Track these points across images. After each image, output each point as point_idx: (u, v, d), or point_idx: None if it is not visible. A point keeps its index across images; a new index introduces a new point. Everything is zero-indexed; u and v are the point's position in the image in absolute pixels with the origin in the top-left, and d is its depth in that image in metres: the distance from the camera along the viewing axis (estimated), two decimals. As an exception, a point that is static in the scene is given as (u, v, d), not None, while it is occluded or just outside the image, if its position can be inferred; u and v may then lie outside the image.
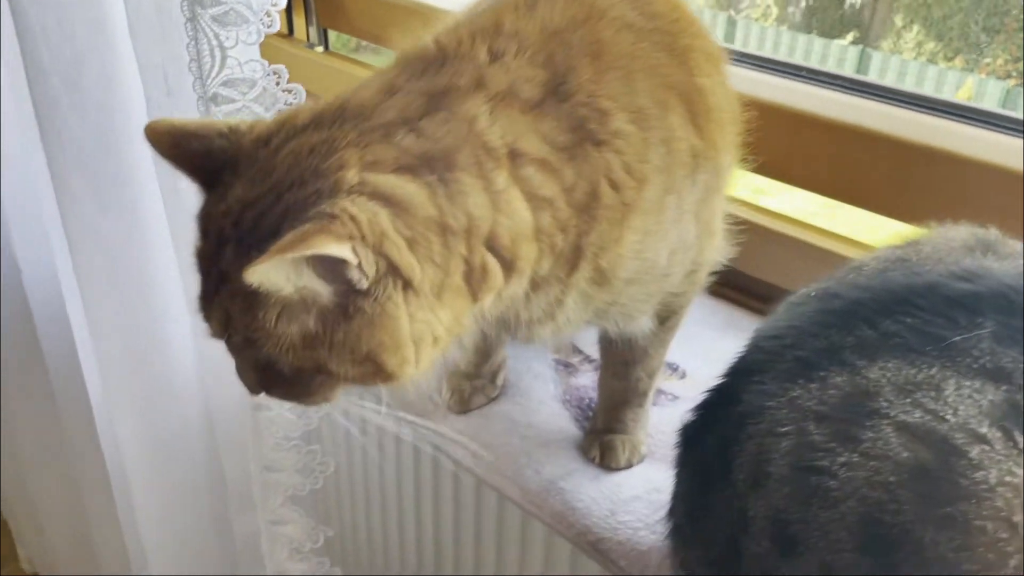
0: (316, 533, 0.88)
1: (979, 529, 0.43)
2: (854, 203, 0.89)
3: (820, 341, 0.54)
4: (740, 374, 0.58)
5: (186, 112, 0.70)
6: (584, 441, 0.73)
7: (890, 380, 0.49)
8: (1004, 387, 0.47)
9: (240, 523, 0.90)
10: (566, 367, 0.81)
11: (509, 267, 0.55)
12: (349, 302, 0.50)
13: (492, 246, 0.53)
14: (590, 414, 0.75)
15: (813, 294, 0.59)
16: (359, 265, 0.48)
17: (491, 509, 0.81)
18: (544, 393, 0.77)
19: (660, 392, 0.78)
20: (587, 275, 0.59)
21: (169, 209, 0.76)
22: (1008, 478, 0.44)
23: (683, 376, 0.80)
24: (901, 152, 0.83)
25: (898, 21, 1.06)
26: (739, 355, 0.59)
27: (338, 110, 0.53)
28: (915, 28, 1.05)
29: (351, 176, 0.49)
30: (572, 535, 0.67)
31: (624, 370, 0.71)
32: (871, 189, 0.87)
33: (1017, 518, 0.43)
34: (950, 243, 0.62)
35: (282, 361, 0.51)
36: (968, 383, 0.48)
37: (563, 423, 0.75)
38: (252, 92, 0.68)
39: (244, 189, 0.51)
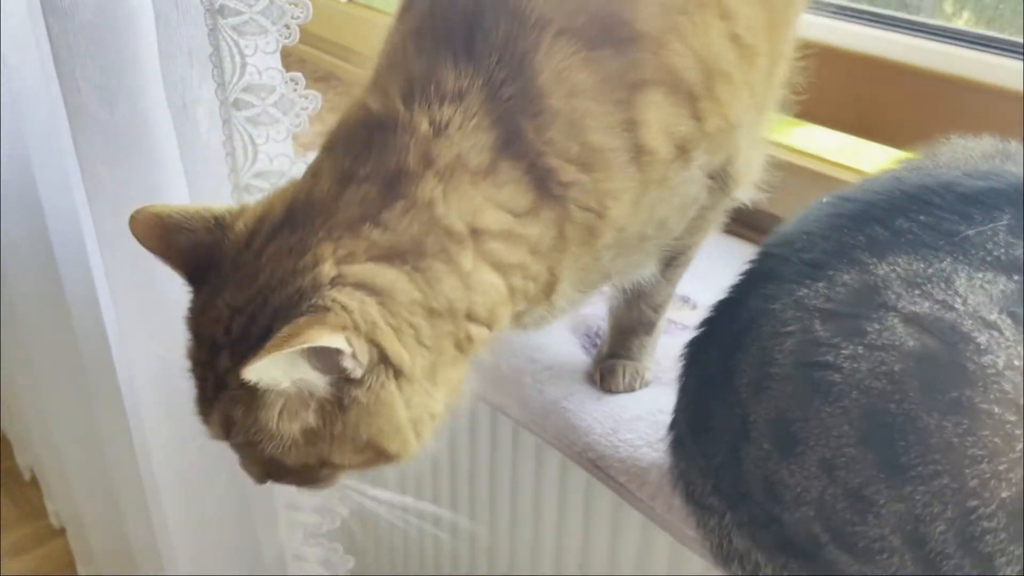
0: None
1: (985, 413, 0.42)
2: (878, 140, 0.87)
3: (830, 243, 0.52)
4: (747, 283, 0.56)
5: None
6: (591, 365, 0.72)
7: (899, 275, 0.47)
8: (1016, 277, 0.45)
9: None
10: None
11: (492, 326, 0.56)
12: (344, 393, 0.51)
13: (472, 318, 0.55)
14: (598, 342, 0.74)
15: (825, 200, 0.57)
16: (353, 354, 0.49)
17: (506, 440, 0.81)
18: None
19: (671, 322, 0.76)
20: (567, 285, 0.59)
21: (181, 138, 0.76)
22: (1016, 362, 0.42)
23: (695, 307, 0.78)
24: (926, 84, 0.80)
25: (948, 8, 1.02)
26: (747, 265, 0.57)
27: (305, 205, 0.53)
28: (965, 15, 1.01)
29: (328, 269, 0.50)
30: (573, 453, 0.66)
31: (631, 303, 0.70)
32: (895, 125, 0.85)
33: (1025, 402, 0.41)
34: (968, 151, 0.59)
35: (286, 457, 0.53)
36: (980, 275, 0.46)
37: (571, 349, 0.74)
38: (271, 97, 0.70)
39: (232, 295, 0.53)
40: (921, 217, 0.50)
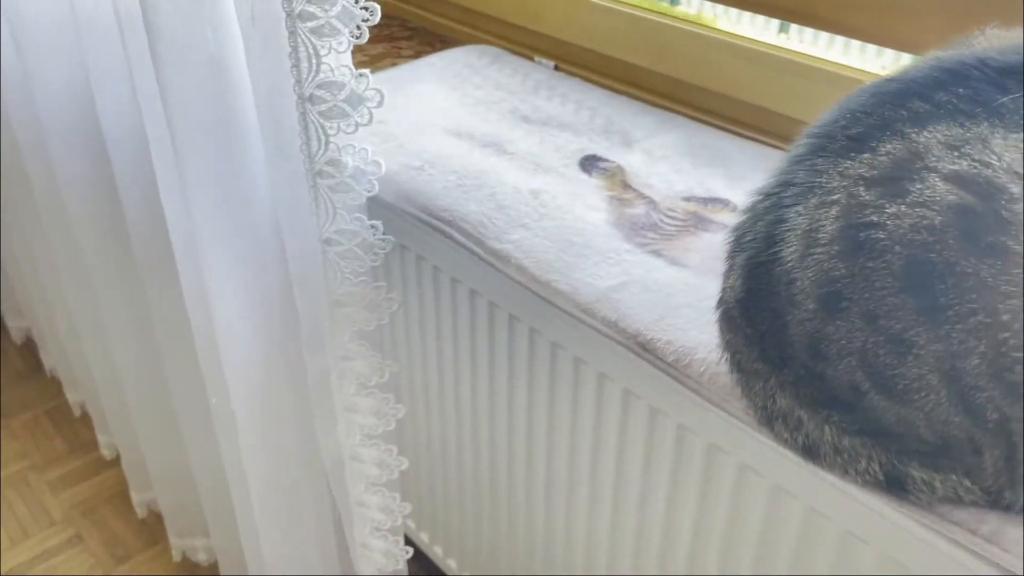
0: (383, 368, 0.93)
1: (1016, 253, 0.46)
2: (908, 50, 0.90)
3: (873, 118, 0.56)
4: (792, 162, 0.60)
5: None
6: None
7: (939, 140, 0.51)
8: (1046, 134, 0.49)
9: (312, 362, 0.96)
10: (620, 201, 0.84)
11: None
12: None
13: None
14: (644, 235, 0.79)
15: (868, 84, 0.60)
16: None
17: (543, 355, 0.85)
18: (597, 219, 0.81)
19: (711, 222, 0.80)
20: None
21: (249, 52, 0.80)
22: (1049, 207, 0.46)
23: (734, 210, 0.82)
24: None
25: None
26: (790, 150, 0.61)
27: None
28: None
29: None
30: (623, 339, 0.70)
31: None
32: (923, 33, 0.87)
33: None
34: (1003, 40, 0.62)
35: None
36: (1015, 135, 0.49)
37: (616, 243, 0.78)
38: (342, 93, 0.74)
39: None
40: (960, 90, 0.53)
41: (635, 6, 1.04)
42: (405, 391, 1.09)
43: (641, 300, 0.72)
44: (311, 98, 0.76)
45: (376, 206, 0.87)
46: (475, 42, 1.19)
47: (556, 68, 1.11)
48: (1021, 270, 0.45)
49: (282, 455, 1.03)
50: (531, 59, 1.13)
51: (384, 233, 0.88)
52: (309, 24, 0.73)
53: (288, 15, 0.73)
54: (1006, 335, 0.46)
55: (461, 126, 0.97)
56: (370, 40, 1.21)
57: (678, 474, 0.75)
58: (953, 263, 0.47)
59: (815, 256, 0.54)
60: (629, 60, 1.03)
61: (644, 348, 0.69)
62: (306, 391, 0.98)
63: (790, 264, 0.56)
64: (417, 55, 1.16)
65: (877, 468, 0.56)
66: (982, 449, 0.51)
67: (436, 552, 1.23)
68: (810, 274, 0.55)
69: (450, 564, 1.21)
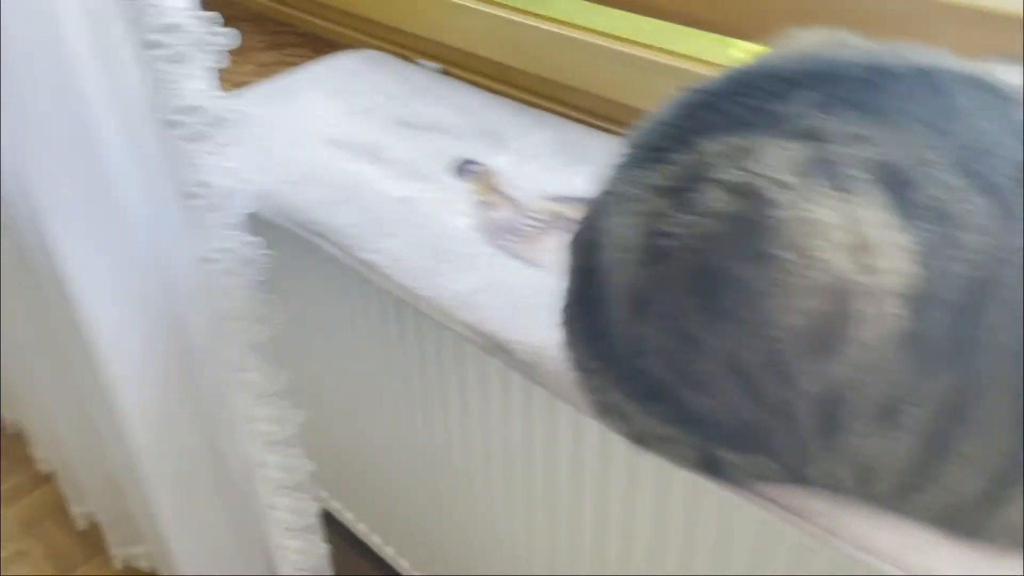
0: (277, 378, 0.97)
1: (777, 258, 0.50)
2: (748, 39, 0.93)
3: (671, 129, 0.60)
4: (614, 170, 0.63)
5: None
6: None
7: (721, 151, 0.55)
8: (813, 143, 0.53)
9: (207, 374, 0.99)
10: (487, 204, 0.87)
11: None
12: None
13: None
14: (506, 237, 0.82)
15: (681, 92, 0.64)
16: None
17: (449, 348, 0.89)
18: (464, 224, 0.84)
19: (574, 221, 0.84)
20: None
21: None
22: (804, 214, 0.50)
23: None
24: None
25: None
26: (613, 159, 0.65)
27: None
28: None
29: None
30: (482, 341, 0.74)
31: None
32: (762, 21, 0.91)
33: (810, 245, 0.49)
34: (808, 41, 0.66)
35: None
36: (785, 144, 0.53)
37: (479, 247, 0.81)
38: (202, 117, 0.78)
39: None
40: (744, 100, 0.57)
41: (509, 8, 1.06)
42: (332, 393, 1.12)
43: (498, 302, 0.75)
44: (172, 123, 0.78)
45: (258, 221, 0.89)
46: (362, 47, 1.20)
47: (443, 71, 1.13)
48: (782, 273, 0.50)
49: (191, 463, 1.05)
50: (415, 62, 1.16)
51: (269, 248, 0.90)
52: (163, 52, 0.75)
53: (143, 44, 0.75)
54: (775, 331, 0.51)
55: (340, 136, 0.99)
56: (260, 48, 1.22)
57: (606, 468, 0.79)
58: (728, 268, 0.51)
59: (623, 262, 0.58)
60: (505, 62, 1.06)
61: (501, 349, 0.73)
62: (206, 402, 1.01)
63: (606, 270, 0.60)
64: (306, 62, 1.18)
65: (693, 453, 0.61)
66: (773, 431, 0.56)
67: (388, 552, 1.27)
68: (621, 279, 0.59)
69: (403, 564, 1.25)
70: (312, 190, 0.89)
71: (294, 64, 1.19)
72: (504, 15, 1.06)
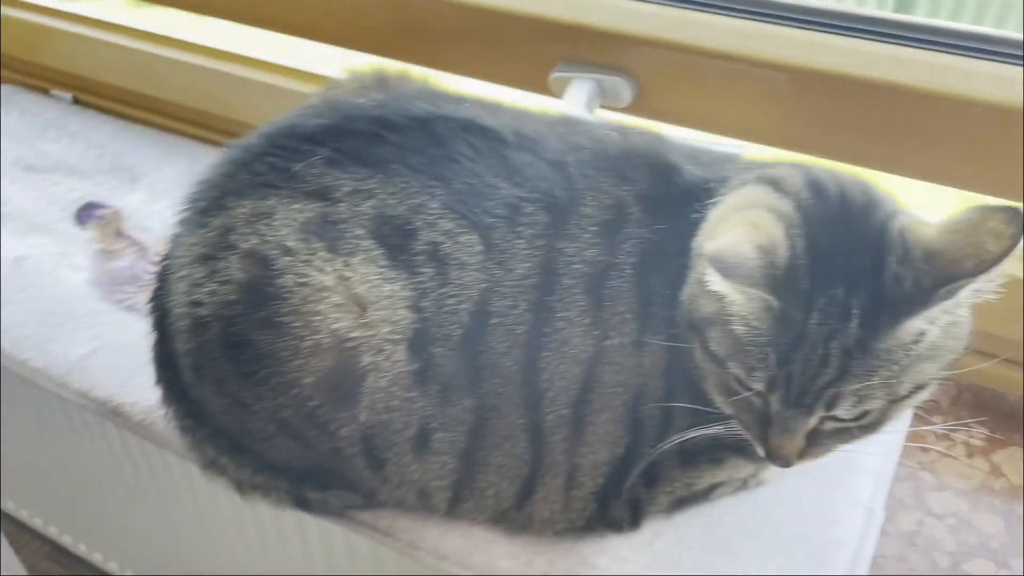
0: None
1: (284, 324, 0.52)
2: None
3: (214, 190, 0.60)
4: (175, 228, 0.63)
5: None
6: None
7: (244, 215, 0.56)
8: (319, 204, 0.56)
9: None
10: (108, 254, 0.84)
11: None
12: None
13: None
14: (124, 290, 0.80)
15: (226, 148, 0.64)
16: None
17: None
18: (80, 280, 0.81)
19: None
20: None
21: None
22: (303, 280, 0.53)
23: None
24: None
25: None
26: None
27: None
28: None
29: None
30: (97, 408, 0.73)
31: None
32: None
33: (310, 310, 0.52)
34: (354, 83, 0.69)
35: None
36: (296, 205, 0.56)
37: (94, 304, 0.79)
38: None
39: None
40: (270, 159, 0.59)
41: (136, 36, 1.02)
42: None
43: (110, 364, 0.74)
44: None
45: None
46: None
47: (75, 100, 1.07)
48: (289, 337, 0.52)
49: None
50: (47, 93, 1.08)
51: None
52: None
53: None
54: (297, 391, 0.54)
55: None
56: None
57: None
58: (245, 334, 0.54)
59: (179, 329, 0.59)
60: (138, 90, 1.02)
61: (116, 413, 0.72)
62: None
63: (171, 333, 0.61)
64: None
65: (286, 496, 0.64)
66: (338, 471, 0.60)
67: (96, 558, 1.21)
68: (182, 345, 0.59)
69: (111, 566, 1.20)
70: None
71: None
72: (131, 44, 1.01)
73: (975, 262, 0.46)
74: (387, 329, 0.53)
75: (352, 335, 0.53)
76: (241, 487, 0.65)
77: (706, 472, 0.61)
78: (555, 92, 0.89)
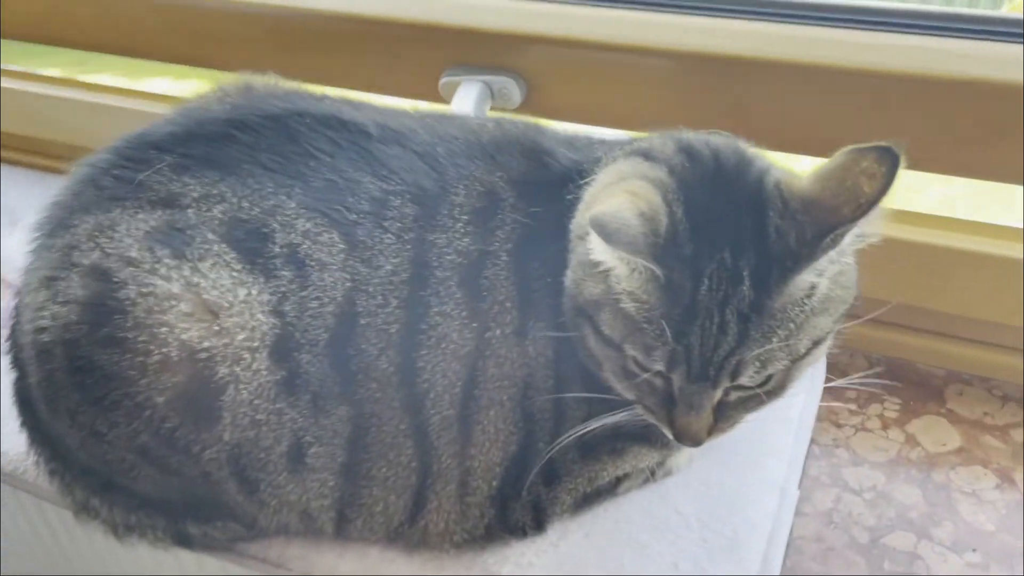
0: None
1: (128, 340, 0.48)
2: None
3: (61, 210, 0.56)
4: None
5: None
6: None
7: (87, 231, 0.52)
8: (165, 211, 0.52)
9: None
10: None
11: None
12: None
13: None
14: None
15: (80, 165, 0.60)
16: None
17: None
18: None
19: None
20: None
21: None
22: (146, 290, 0.49)
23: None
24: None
25: None
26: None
27: None
28: None
29: None
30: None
31: None
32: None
33: (157, 320, 0.49)
34: (218, 93, 0.66)
35: None
36: (141, 215, 0.52)
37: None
38: None
39: None
40: (116, 172, 0.55)
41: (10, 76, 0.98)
42: None
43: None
44: None
45: None
46: None
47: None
48: (133, 354, 0.48)
49: None
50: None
51: None
52: None
53: None
54: (149, 412, 0.49)
55: None
56: None
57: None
58: (93, 356, 0.49)
59: (30, 361, 0.54)
60: (16, 132, 0.98)
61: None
62: None
63: (22, 366, 0.56)
64: None
65: (165, 534, 0.59)
66: (212, 499, 0.55)
67: None
68: (33, 379, 0.55)
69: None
70: None
71: None
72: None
73: (853, 207, 0.45)
74: (243, 336, 0.50)
75: (204, 345, 0.49)
76: (116, 530, 0.60)
77: (608, 464, 0.58)
78: (445, 98, 0.87)
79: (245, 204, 0.52)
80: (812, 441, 0.67)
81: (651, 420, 0.52)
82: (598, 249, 0.47)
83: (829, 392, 0.73)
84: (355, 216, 0.53)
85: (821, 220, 0.46)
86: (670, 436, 0.51)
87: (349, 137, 0.56)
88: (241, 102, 0.59)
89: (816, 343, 0.49)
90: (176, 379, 0.49)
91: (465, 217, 0.54)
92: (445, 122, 0.60)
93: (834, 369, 0.75)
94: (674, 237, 0.47)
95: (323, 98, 0.60)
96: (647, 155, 0.52)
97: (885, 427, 0.68)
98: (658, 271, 0.46)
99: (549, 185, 0.55)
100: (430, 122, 0.59)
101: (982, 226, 0.73)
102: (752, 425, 0.66)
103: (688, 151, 0.51)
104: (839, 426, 0.69)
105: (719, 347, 0.47)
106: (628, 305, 0.48)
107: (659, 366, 0.48)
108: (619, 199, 0.48)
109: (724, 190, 0.49)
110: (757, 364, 0.47)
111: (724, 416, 0.50)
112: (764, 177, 0.49)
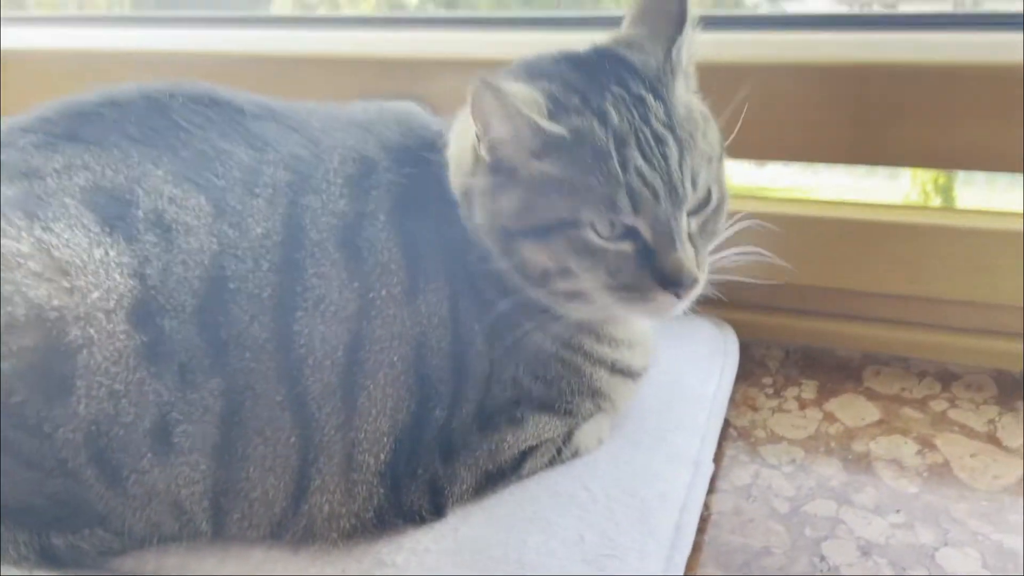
0: None
1: None
2: None
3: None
4: None
5: None
6: None
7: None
8: (24, 182, 0.50)
9: None
10: None
11: None
12: None
13: None
14: None
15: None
16: None
17: None
18: None
19: None
20: None
21: None
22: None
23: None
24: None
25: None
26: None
27: None
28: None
29: None
30: None
31: None
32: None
33: (4, 278, 0.46)
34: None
35: None
36: (4, 188, 0.50)
37: None
38: None
39: None
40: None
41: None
42: None
43: None
44: None
45: None
46: None
47: None
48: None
49: None
50: None
51: None
52: None
53: None
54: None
55: None
56: None
57: None
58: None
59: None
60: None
61: None
62: None
63: None
64: None
65: (28, 549, 0.53)
66: (76, 498, 0.50)
67: None
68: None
69: None
70: None
71: None
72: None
73: (673, 25, 0.52)
74: (97, 294, 0.47)
75: (54, 303, 0.46)
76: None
77: (508, 435, 0.55)
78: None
79: (109, 172, 0.51)
80: (729, 424, 0.65)
81: (633, 303, 0.50)
82: (497, 126, 0.49)
83: (742, 369, 0.71)
84: (224, 183, 0.52)
85: (661, 44, 0.52)
86: (663, 293, 0.49)
87: (222, 112, 0.56)
88: (120, 87, 0.58)
89: (714, 159, 0.52)
90: (24, 342, 0.46)
91: (340, 180, 0.53)
92: (324, 106, 0.60)
93: (751, 359, 0.73)
94: (555, 99, 0.50)
95: (198, 82, 0.59)
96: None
97: (803, 407, 0.66)
98: (561, 130, 0.48)
99: (421, 148, 0.56)
100: (311, 106, 0.59)
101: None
102: (663, 404, 0.64)
103: (527, 67, 0.54)
104: (756, 409, 0.66)
105: (668, 159, 0.49)
106: (554, 169, 0.48)
107: (625, 209, 0.48)
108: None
109: (572, 62, 0.53)
110: (701, 168, 0.50)
111: (698, 250, 0.51)
112: (603, 46, 0.54)
